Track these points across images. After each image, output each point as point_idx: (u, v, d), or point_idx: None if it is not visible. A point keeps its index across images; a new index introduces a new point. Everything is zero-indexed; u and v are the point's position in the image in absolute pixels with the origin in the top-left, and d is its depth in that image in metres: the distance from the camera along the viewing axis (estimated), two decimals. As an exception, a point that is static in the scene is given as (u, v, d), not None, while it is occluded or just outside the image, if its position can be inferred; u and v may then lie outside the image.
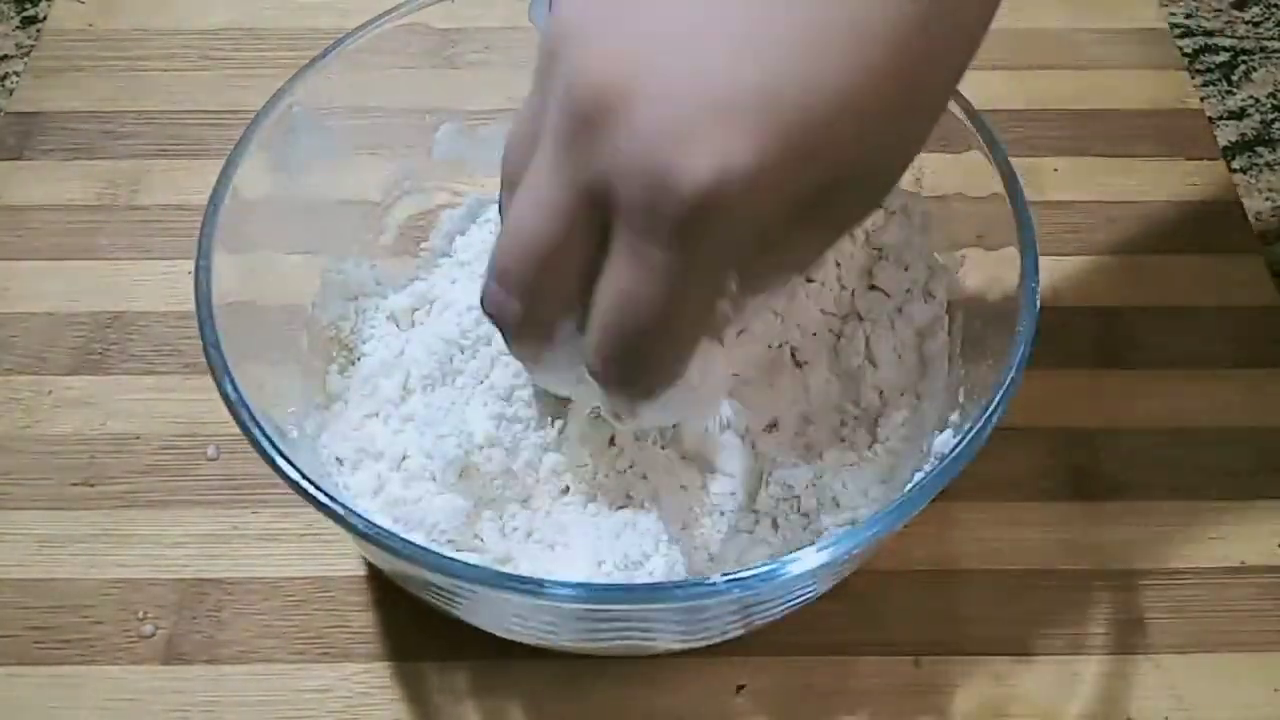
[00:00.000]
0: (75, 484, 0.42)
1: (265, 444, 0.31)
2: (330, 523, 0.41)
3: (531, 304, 0.29)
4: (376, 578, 0.40)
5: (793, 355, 0.39)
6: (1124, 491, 0.42)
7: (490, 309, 0.29)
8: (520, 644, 0.38)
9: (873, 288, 0.39)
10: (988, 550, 0.41)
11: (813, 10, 0.25)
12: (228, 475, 0.42)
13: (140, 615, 0.39)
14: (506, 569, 0.34)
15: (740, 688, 0.38)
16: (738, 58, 0.24)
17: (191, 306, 0.46)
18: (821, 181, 0.26)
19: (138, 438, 0.43)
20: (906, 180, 0.34)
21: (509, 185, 0.29)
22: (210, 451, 0.43)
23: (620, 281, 0.26)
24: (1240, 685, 0.38)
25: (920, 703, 0.38)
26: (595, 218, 0.26)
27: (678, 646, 0.36)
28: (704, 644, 0.35)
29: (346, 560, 0.40)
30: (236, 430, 0.43)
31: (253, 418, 0.31)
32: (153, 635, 0.39)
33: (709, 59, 0.24)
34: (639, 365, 0.28)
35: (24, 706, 0.37)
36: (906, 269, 0.39)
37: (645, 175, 0.25)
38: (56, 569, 0.40)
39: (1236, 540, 0.41)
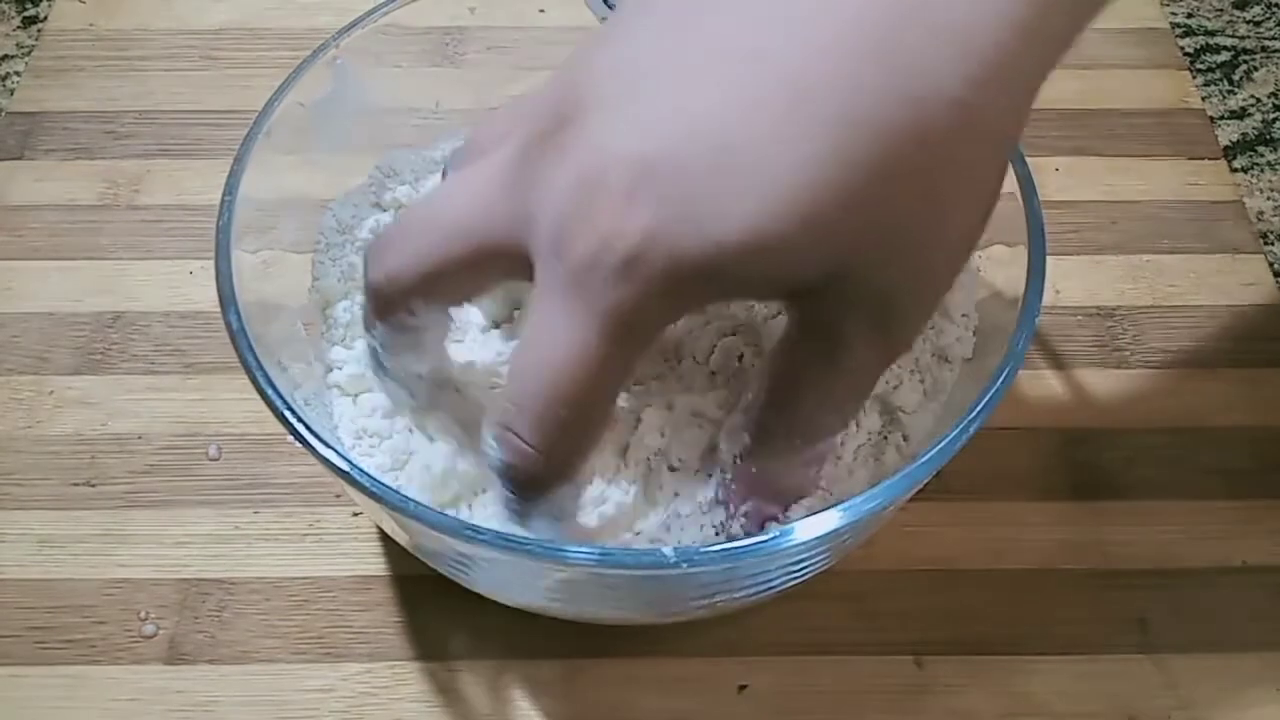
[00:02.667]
0: (76, 484, 0.42)
1: (280, 404, 0.31)
2: (331, 523, 0.41)
3: (419, 280, 0.28)
4: (379, 578, 0.40)
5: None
6: (1124, 491, 0.42)
7: (371, 252, 0.30)
8: (520, 644, 0.38)
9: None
10: (988, 550, 0.41)
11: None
12: (229, 475, 0.42)
13: (142, 615, 0.39)
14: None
15: (742, 687, 0.38)
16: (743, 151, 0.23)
17: (193, 306, 0.46)
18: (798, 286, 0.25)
19: (139, 438, 0.43)
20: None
21: (466, 153, 0.28)
22: (212, 451, 0.43)
23: (531, 331, 0.26)
24: (1242, 685, 0.38)
25: (921, 703, 0.38)
26: (518, 236, 0.26)
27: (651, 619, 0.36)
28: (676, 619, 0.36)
29: (348, 560, 0.40)
30: (238, 430, 0.43)
31: (270, 383, 0.31)
32: (154, 635, 0.39)
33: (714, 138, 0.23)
34: (542, 432, 0.26)
35: (25, 706, 0.37)
36: None
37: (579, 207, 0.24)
38: (58, 569, 0.40)
39: (1237, 540, 0.41)
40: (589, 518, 0.33)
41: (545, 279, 0.26)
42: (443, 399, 0.34)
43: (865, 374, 0.27)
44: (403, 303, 0.29)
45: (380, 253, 0.29)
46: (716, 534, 0.32)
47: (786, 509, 0.31)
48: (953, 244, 0.26)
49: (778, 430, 0.28)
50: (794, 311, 0.27)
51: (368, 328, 0.31)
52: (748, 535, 0.30)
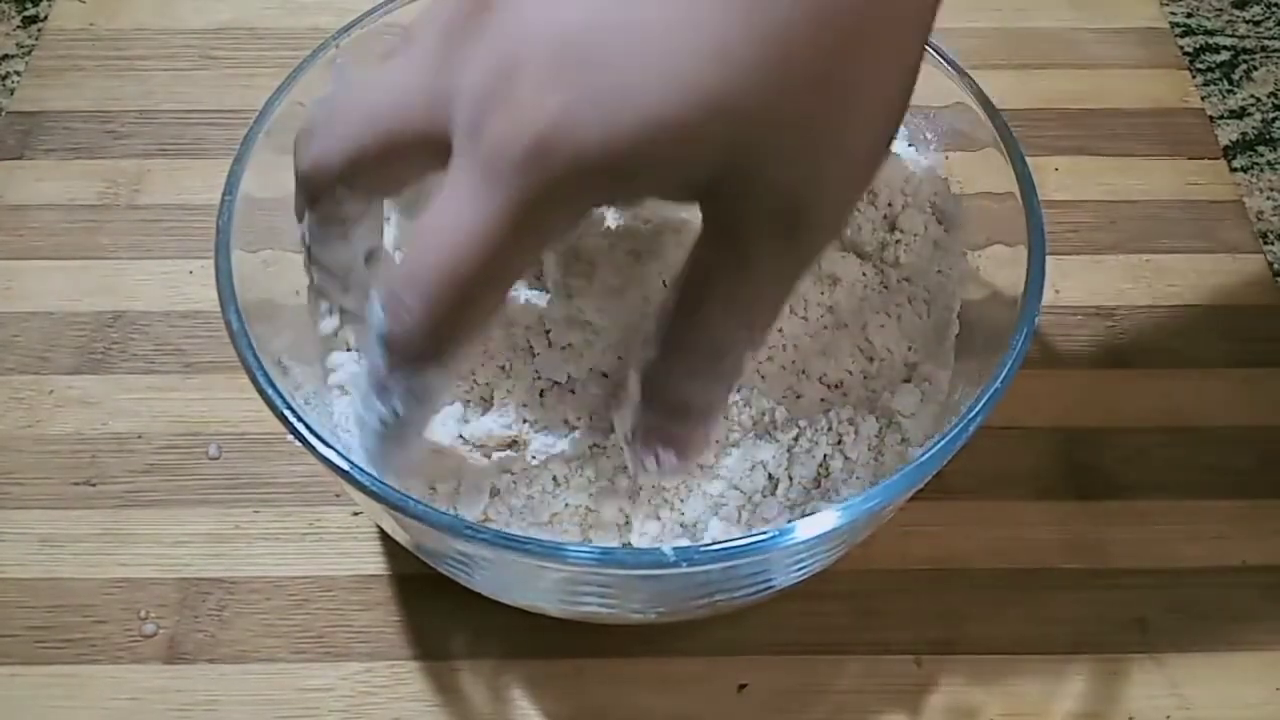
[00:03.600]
0: (77, 483, 0.42)
1: (282, 405, 0.31)
2: (331, 522, 0.41)
3: (343, 164, 0.29)
4: (379, 577, 0.40)
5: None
6: (1124, 491, 0.42)
7: (299, 140, 0.30)
8: (520, 644, 0.38)
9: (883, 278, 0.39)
10: (988, 550, 0.41)
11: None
12: (229, 474, 0.42)
13: (142, 614, 0.39)
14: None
15: (742, 687, 0.38)
16: (648, 34, 0.23)
17: (193, 306, 0.46)
18: (696, 179, 0.25)
19: (139, 437, 0.43)
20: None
21: (398, 44, 0.29)
22: (211, 451, 0.43)
23: (448, 205, 0.26)
24: (1242, 684, 0.38)
25: (921, 702, 0.38)
26: (438, 120, 0.26)
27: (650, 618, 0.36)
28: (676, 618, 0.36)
29: (348, 559, 0.40)
30: (238, 430, 0.43)
31: (270, 383, 0.31)
32: (154, 634, 0.39)
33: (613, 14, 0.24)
34: (429, 306, 0.26)
35: (25, 706, 0.37)
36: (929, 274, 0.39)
37: (493, 94, 0.24)
38: (58, 568, 0.40)
39: (1237, 539, 0.41)
40: (445, 430, 0.32)
41: (459, 156, 0.26)
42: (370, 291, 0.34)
43: (773, 283, 0.27)
44: (329, 190, 0.30)
45: (307, 140, 0.30)
46: (596, 449, 0.33)
47: (692, 432, 0.29)
48: (858, 149, 0.26)
49: (685, 341, 0.28)
50: (704, 218, 0.27)
51: (299, 216, 0.31)
52: (645, 462, 0.29)
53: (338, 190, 0.30)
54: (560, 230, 0.26)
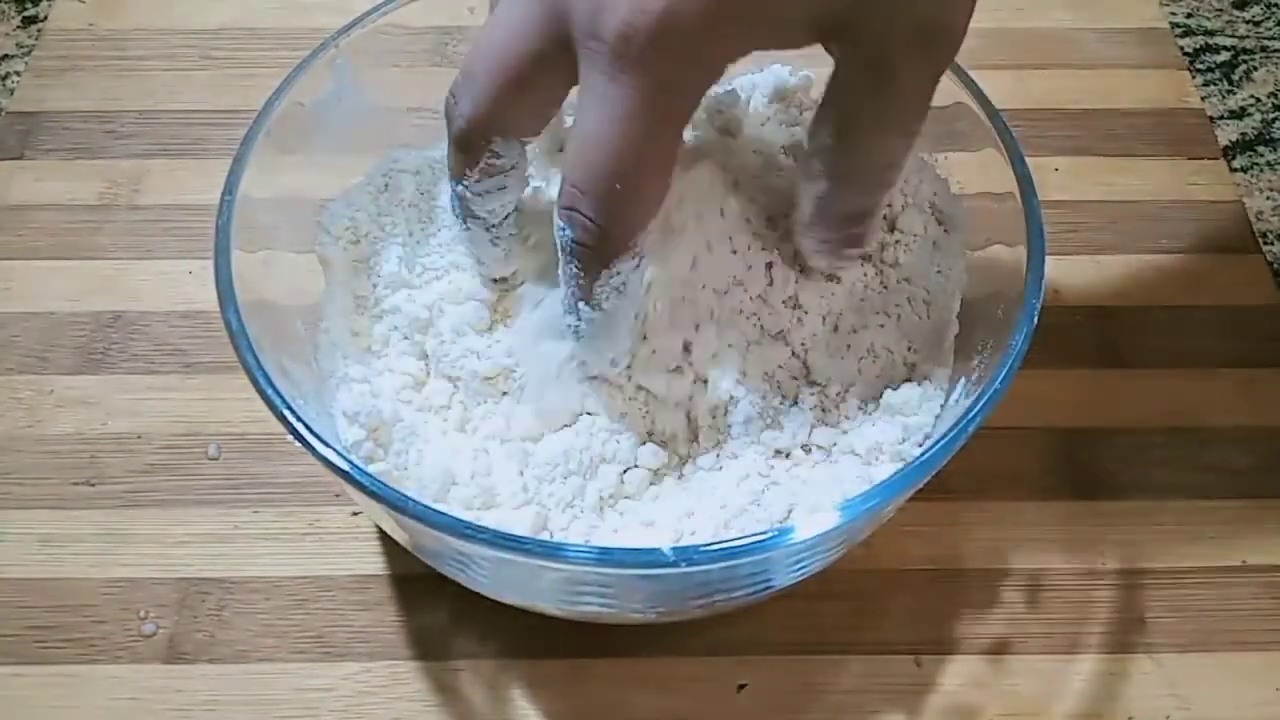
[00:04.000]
0: (76, 483, 0.42)
1: (285, 410, 0.31)
2: (330, 522, 0.41)
3: (491, 110, 0.30)
4: (379, 577, 0.40)
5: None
6: (1124, 491, 0.42)
7: (448, 107, 0.31)
8: (520, 644, 0.38)
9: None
10: (988, 550, 0.41)
11: None
12: (229, 474, 0.42)
13: (141, 614, 0.39)
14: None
15: (741, 687, 0.38)
16: None
17: (193, 306, 0.46)
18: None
19: (139, 437, 0.43)
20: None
21: None
22: (211, 451, 0.43)
23: (591, 109, 0.27)
24: (1242, 684, 0.38)
25: (920, 702, 0.38)
26: (559, 36, 0.27)
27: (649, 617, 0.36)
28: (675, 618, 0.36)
29: (347, 559, 0.40)
30: (238, 430, 0.43)
31: (270, 383, 0.31)
32: (154, 634, 0.39)
33: None
34: (603, 208, 0.28)
35: (25, 706, 0.37)
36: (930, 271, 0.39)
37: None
38: (58, 568, 0.40)
39: (1237, 539, 0.41)
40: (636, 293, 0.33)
41: (587, 63, 0.27)
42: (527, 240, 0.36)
43: (920, 91, 0.29)
44: (485, 142, 0.31)
45: (454, 102, 0.31)
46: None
47: (869, 229, 0.33)
48: None
49: (853, 167, 0.30)
50: (839, 56, 0.29)
51: (456, 180, 0.33)
52: (830, 264, 0.35)
53: (493, 142, 0.31)
54: (702, 93, 0.28)
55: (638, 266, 0.31)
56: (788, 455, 0.36)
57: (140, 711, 0.37)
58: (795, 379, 0.37)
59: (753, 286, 0.36)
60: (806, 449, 0.36)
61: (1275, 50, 0.57)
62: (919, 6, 0.27)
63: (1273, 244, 0.50)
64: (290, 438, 0.30)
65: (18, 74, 0.55)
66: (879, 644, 0.39)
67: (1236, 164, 0.52)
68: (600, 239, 0.29)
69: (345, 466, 0.30)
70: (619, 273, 0.31)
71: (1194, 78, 0.55)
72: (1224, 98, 0.55)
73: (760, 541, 0.29)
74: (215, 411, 0.44)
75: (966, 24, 0.28)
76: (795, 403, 0.36)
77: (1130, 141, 0.52)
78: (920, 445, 0.35)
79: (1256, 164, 0.53)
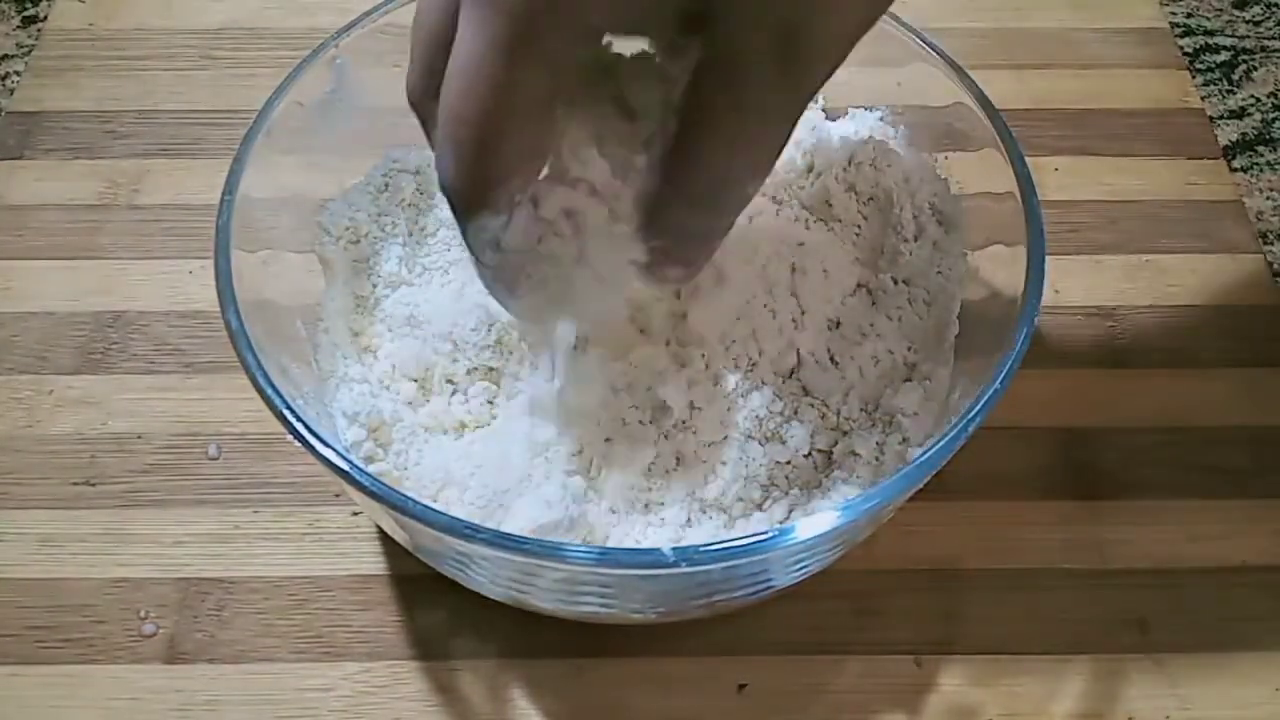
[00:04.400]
0: (76, 483, 0.42)
1: (287, 412, 0.31)
2: (330, 522, 0.41)
3: (422, 76, 0.28)
4: (379, 577, 0.40)
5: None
6: (1124, 491, 0.42)
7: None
8: (520, 644, 0.38)
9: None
10: (988, 550, 0.41)
11: None
12: (229, 474, 0.42)
13: (141, 614, 0.39)
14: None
15: (741, 687, 0.38)
16: None
17: (193, 306, 0.46)
18: None
19: (139, 437, 0.43)
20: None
21: None
22: (211, 451, 0.43)
23: (456, 50, 0.25)
24: (1241, 684, 0.38)
25: (920, 702, 0.38)
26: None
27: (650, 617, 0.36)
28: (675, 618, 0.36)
29: (347, 559, 0.40)
30: (238, 430, 0.43)
31: (270, 383, 0.31)
32: (154, 634, 0.39)
33: None
34: (460, 153, 0.26)
35: (25, 706, 0.37)
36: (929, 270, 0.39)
37: None
38: (58, 568, 0.40)
39: (1237, 539, 0.41)
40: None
41: (463, 8, 0.25)
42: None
43: (771, 116, 0.26)
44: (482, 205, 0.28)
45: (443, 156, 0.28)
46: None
47: (695, 253, 0.29)
48: None
49: (685, 176, 0.27)
50: (703, 51, 0.26)
51: (467, 226, 0.29)
52: (654, 277, 0.29)
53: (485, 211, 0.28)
54: (565, 54, 0.25)
55: (506, 226, 0.28)
56: (788, 460, 0.36)
57: (140, 711, 0.37)
58: (796, 379, 0.37)
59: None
60: (807, 451, 0.36)
61: (1275, 50, 0.57)
62: (787, 17, 0.24)
63: (1273, 244, 0.50)
64: (290, 437, 0.30)
65: (17, 74, 0.55)
66: (879, 644, 0.39)
67: (1236, 164, 0.52)
68: (459, 184, 0.26)
69: (345, 466, 0.30)
70: (486, 229, 0.27)
71: (1194, 77, 0.55)
72: (1224, 98, 0.55)
73: (760, 541, 0.29)
74: (215, 411, 0.44)
75: (837, 48, 0.25)
76: (796, 403, 0.36)
77: (1130, 141, 0.52)
78: (920, 446, 0.35)
79: (1256, 164, 0.53)
